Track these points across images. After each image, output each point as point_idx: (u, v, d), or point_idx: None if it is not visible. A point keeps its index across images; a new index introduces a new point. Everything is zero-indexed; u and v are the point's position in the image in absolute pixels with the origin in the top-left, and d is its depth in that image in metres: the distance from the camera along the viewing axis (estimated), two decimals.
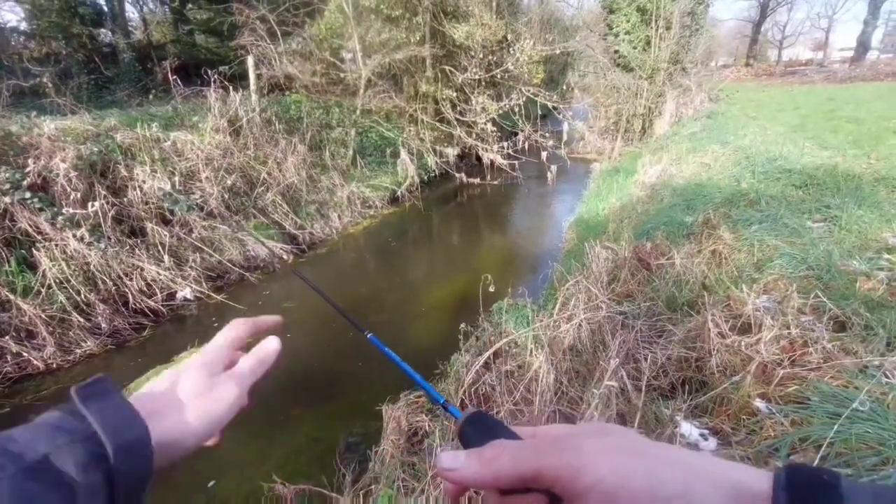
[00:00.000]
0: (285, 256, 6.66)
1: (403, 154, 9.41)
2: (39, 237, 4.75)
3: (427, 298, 5.70)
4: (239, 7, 8.38)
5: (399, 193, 9.19)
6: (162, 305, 5.22)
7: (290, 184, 7.33)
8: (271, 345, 0.47)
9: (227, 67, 7.16)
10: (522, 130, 11.78)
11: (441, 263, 7.04)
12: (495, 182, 10.72)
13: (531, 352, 2.62)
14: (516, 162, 11.18)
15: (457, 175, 10.60)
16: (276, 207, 6.97)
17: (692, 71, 14.45)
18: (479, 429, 0.32)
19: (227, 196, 6.35)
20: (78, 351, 4.60)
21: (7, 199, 4.60)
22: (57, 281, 4.64)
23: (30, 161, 4.90)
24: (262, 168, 7.00)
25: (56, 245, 4.76)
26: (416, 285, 6.21)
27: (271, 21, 8.48)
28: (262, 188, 6.93)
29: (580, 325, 2.25)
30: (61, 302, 4.61)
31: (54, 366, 4.46)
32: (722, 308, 2.55)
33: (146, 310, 5.15)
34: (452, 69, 10.81)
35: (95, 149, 5.29)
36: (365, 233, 8.12)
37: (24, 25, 10.46)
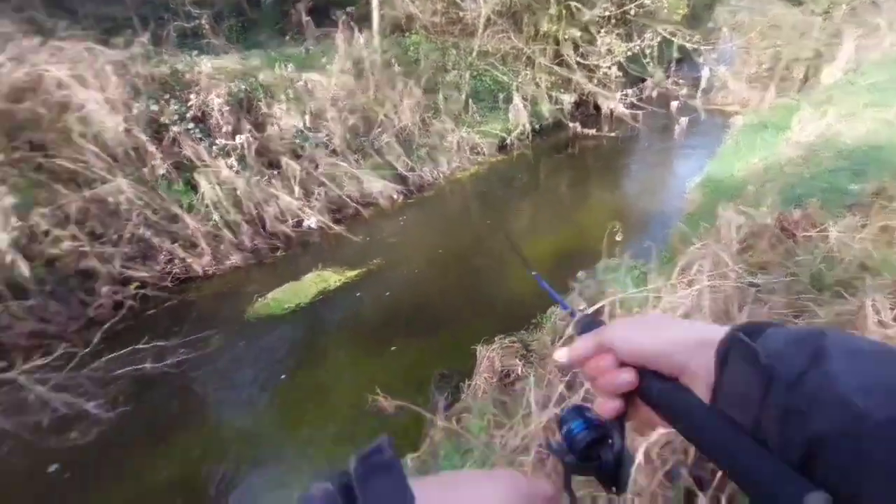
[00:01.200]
0: (395, 196, 7.01)
1: (517, 99, 9.05)
2: (199, 163, 5.56)
3: (529, 249, 5.66)
4: None
5: (509, 141, 8.98)
6: (292, 231, 5.90)
7: (404, 126, 7.55)
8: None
9: (353, 7, 7.36)
10: (652, 76, 10.55)
11: (546, 215, 6.87)
12: (613, 134, 9.90)
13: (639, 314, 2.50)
14: (640, 112, 10.15)
15: (570, 124, 9.97)
16: (391, 149, 7.27)
17: (885, 6, 11.44)
18: (585, 324, 0.48)
19: (348, 136, 6.77)
20: (227, 262, 5.45)
21: (176, 129, 5.42)
22: (212, 202, 5.45)
23: (192, 96, 5.65)
24: (380, 110, 7.28)
25: (212, 171, 5.54)
26: (519, 234, 6.18)
27: None
28: (379, 129, 7.24)
29: (701, 292, 2.07)
30: (215, 220, 5.44)
31: (210, 272, 5.35)
32: (887, 293, 2.16)
33: (279, 233, 5.86)
34: (579, 5, 9.87)
35: (242, 86, 5.92)
36: (472, 179, 8.16)
37: None
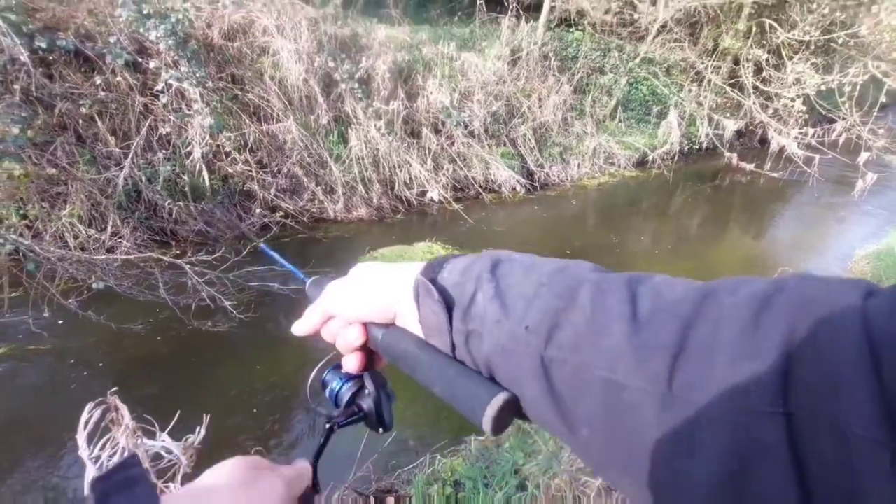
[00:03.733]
0: (517, 188, 7.04)
1: (672, 116, 8.40)
2: (354, 120, 6.12)
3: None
4: None
5: (650, 158, 8.41)
6: (415, 199, 6.27)
7: (543, 121, 7.48)
8: (306, 470, 0.42)
9: None
10: (844, 118, 9.01)
11: (667, 245, 6.39)
12: (775, 174, 8.74)
13: None
14: (816, 157, 8.78)
15: (727, 154, 9.00)
16: (525, 141, 7.27)
17: None
18: (314, 290, 0.51)
19: (488, 120, 6.91)
20: (354, 213, 5.99)
21: (343, 86, 6.00)
22: (357, 157, 5.98)
23: (363, 59, 6.20)
24: (525, 101, 7.29)
25: (362, 129, 6.07)
26: (632, 257, 5.85)
27: None
28: (519, 120, 7.26)
29: None
30: (355, 173, 5.98)
31: (339, 218, 5.93)
32: None
33: (404, 198, 6.26)
34: (775, 24, 8.73)
35: (406, 57, 6.34)
36: (598, 189, 7.85)
37: None
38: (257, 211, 5.36)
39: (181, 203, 5.03)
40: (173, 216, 5.00)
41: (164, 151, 5.03)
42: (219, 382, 3.54)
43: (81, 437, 0.89)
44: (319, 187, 5.82)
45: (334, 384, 0.47)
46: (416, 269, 0.41)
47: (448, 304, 0.37)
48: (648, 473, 0.28)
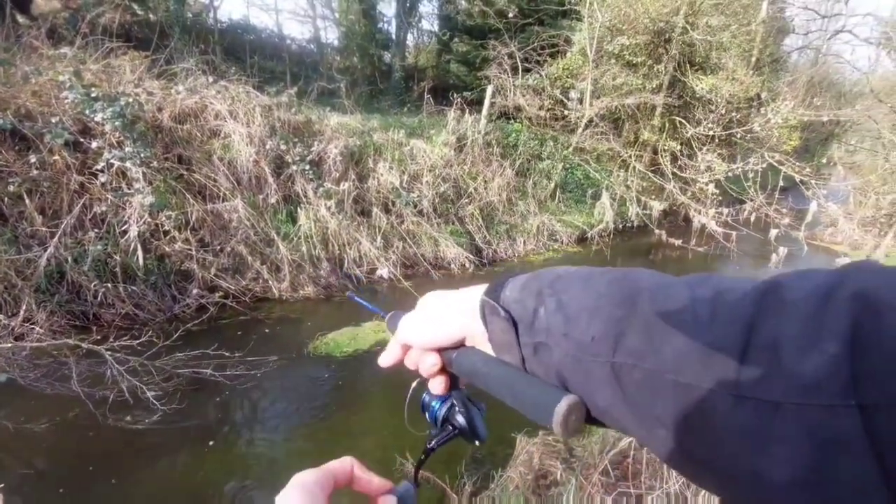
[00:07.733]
0: (466, 264, 7.20)
1: (605, 197, 9.16)
2: (304, 200, 6.19)
3: None
4: (494, 44, 9.50)
5: (589, 235, 8.98)
6: (364, 276, 6.23)
7: (489, 202, 7.91)
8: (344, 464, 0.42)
9: (469, 93, 8.14)
10: (752, 200, 10.20)
11: None
12: (701, 249, 9.53)
13: None
14: (734, 233, 9.73)
15: (657, 231, 9.79)
16: (473, 220, 7.59)
17: None
18: (392, 323, 0.56)
19: (436, 200, 7.21)
20: (301, 292, 5.83)
21: (294, 168, 6.14)
22: (305, 235, 5.96)
23: (315, 143, 6.44)
24: (471, 182, 7.73)
25: (312, 208, 6.13)
26: None
27: (517, 58, 9.32)
28: (466, 200, 7.64)
29: None
30: (303, 251, 5.91)
31: (284, 297, 5.73)
32: None
33: (353, 276, 6.20)
34: (683, 121, 10.07)
35: (358, 142, 6.66)
36: (544, 263, 8.17)
37: (336, 42, 13.84)
38: (194, 291, 5.09)
39: (109, 284, 4.70)
40: (98, 298, 4.64)
41: (96, 230, 4.79)
42: (134, 485, 3.09)
43: None
44: (265, 266, 5.67)
45: (432, 405, 0.51)
46: (480, 291, 0.44)
47: (514, 320, 0.40)
48: (727, 470, 0.29)
